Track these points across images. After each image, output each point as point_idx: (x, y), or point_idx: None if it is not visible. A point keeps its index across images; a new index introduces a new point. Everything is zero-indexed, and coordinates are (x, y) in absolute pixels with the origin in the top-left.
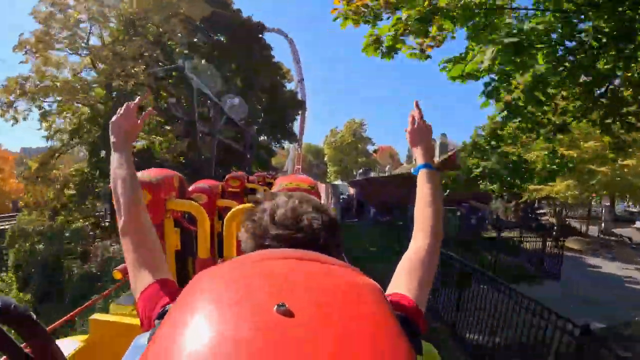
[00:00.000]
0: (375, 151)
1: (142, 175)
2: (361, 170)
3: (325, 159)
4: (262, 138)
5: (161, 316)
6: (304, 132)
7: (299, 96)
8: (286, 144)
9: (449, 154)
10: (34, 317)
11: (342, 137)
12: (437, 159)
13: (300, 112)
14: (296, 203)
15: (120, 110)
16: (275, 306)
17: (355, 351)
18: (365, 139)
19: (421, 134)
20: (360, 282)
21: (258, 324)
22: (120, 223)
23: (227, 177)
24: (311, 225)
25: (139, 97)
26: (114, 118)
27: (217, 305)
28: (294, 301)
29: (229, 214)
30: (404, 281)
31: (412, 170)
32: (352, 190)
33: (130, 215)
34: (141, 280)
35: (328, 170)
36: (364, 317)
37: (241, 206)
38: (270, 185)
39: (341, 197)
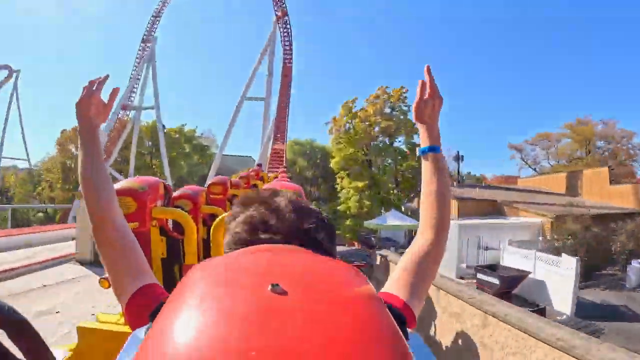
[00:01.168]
0: None
1: (127, 183)
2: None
3: (332, 164)
4: None
5: (155, 313)
6: (288, 101)
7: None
8: None
9: None
10: (30, 323)
11: (365, 118)
12: None
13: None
14: (297, 200)
15: (85, 90)
16: (270, 286)
17: (345, 322)
18: (409, 123)
19: (431, 107)
20: (350, 271)
21: (253, 301)
22: (94, 225)
23: (209, 183)
24: (311, 223)
25: (103, 76)
26: (79, 99)
27: (214, 287)
28: (286, 282)
29: (215, 222)
30: (399, 278)
31: (417, 152)
32: None
33: (105, 215)
34: (128, 285)
35: (341, 188)
36: (353, 296)
37: (228, 214)
38: (256, 187)
39: None
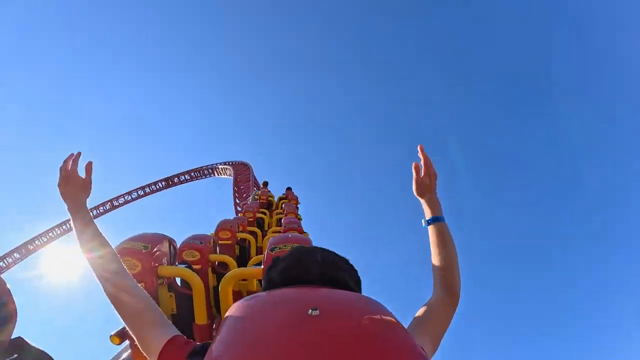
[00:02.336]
0: None
1: (130, 243)
2: None
3: None
4: None
5: (193, 354)
6: None
7: None
8: None
9: None
10: None
11: None
12: None
13: None
14: (325, 251)
15: (62, 171)
16: (310, 310)
17: (371, 339)
18: None
19: (429, 182)
20: (373, 301)
21: (297, 321)
22: (107, 291)
23: (217, 228)
24: (340, 272)
25: (74, 154)
26: (59, 180)
27: (261, 310)
28: (322, 307)
29: (224, 278)
30: (414, 327)
31: (422, 224)
32: None
33: (113, 281)
34: (155, 340)
35: None
36: (377, 319)
37: (237, 270)
38: (269, 205)
39: None
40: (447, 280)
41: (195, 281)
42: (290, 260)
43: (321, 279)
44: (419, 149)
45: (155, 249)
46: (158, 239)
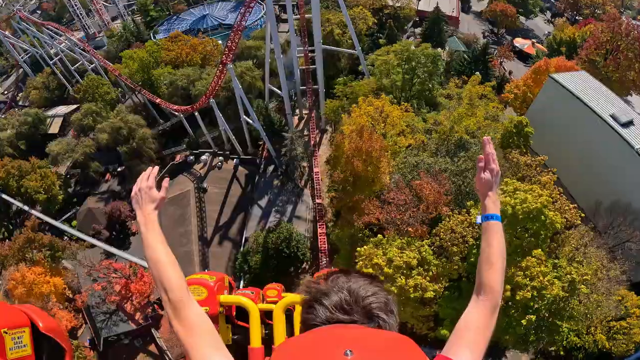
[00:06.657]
0: None
1: (200, 276)
2: None
3: None
4: None
5: None
6: None
7: None
8: None
9: None
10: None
11: None
12: None
13: None
14: (356, 287)
15: (140, 182)
16: (346, 351)
17: None
18: None
19: (488, 178)
20: (403, 339)
21: None
22: (173, 306)
23: (266, 287)
24: (370, 309)
25: (153, 167)
26: (134, 191)
27: (305, 349)
28: (357, 348)
29: (279, 303)
30: (453, 343)
31: (476, 219)
32: None
33: (184, 295)
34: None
35: None
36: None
37: (289, 296)
38: None
39: None
40: (487, 279)
41: (251, 307)
42: (334, 301)
43: (363, 319)
44: (484, 141)
45: (218, 283)
46: (221, 276)
